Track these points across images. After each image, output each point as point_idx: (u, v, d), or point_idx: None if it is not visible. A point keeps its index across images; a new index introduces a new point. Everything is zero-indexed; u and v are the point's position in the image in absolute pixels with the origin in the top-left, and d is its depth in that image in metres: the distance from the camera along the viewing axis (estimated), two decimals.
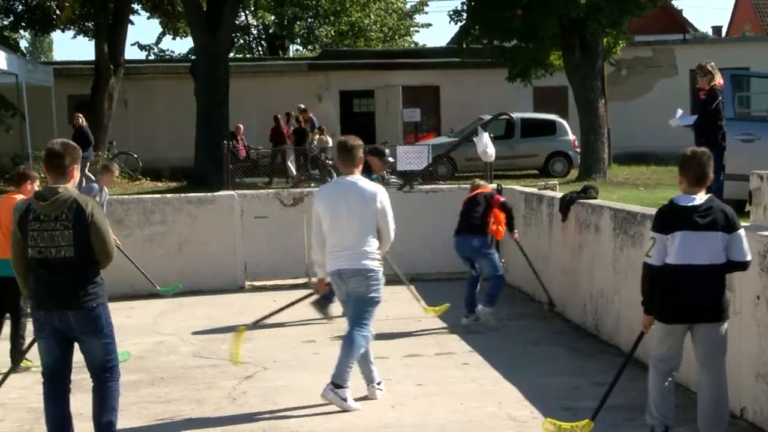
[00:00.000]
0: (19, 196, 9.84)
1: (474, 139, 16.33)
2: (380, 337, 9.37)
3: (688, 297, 6.58)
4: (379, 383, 8.56)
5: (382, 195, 8.11)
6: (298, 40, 52.12)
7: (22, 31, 37.77)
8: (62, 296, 6.57)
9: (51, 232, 6.53)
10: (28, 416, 8.16)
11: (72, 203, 6.57)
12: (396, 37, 52.88)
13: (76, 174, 6.75)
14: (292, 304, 10.57)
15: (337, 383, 8.10)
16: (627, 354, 7.44)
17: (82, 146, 23.54)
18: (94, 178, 18.03)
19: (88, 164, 23.08)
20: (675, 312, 6.63)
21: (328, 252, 8.16)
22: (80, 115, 23.27)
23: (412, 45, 54.09)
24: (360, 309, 8.14)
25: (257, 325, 10.45)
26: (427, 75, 35.63)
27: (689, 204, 6.62)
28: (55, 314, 6.59)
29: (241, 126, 29.64)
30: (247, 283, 14.60)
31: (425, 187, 16.37)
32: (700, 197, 6.65)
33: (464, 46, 28.17)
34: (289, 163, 28.32)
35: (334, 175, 22.95)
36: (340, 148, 8.23)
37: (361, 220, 8.03)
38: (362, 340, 8.16)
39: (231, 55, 32.81)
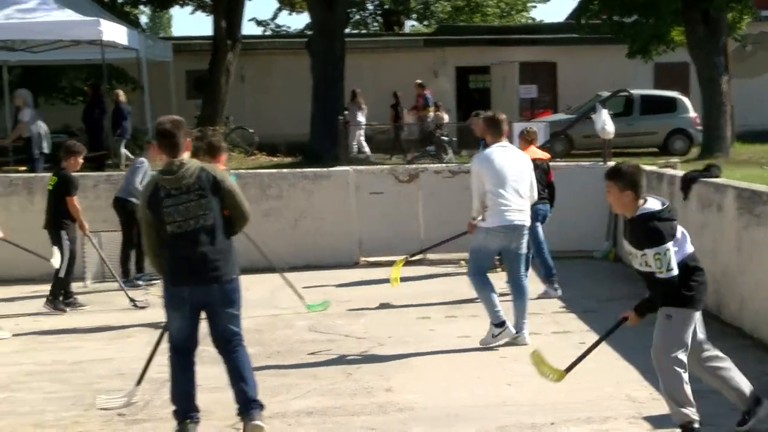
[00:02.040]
0: None
1: (592, 116, 16.16)
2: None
3: None
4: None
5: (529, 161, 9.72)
6: (414, 16, 52.04)
7: (142, 7, 38.42)
8: (206, 269, 6.65)
9: (186, 205, 6.63)
10: (148, 387, 8.33)
11: (200, 172, 6.72)
12: (513, 12, 52.41)
13: (188, 146, 6.92)
14: (453, 238, 11.55)
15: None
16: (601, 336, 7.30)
17: (118, 123, 23.75)
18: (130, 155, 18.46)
19: (124, 141, 23.46)
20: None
21: (494, 207, 9.28)
22: (120, 92, 23.51)
23: (529, 21, 53.59)
24: (523, 260, 9.64)
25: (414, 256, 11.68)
26: (545, 51, 35.29)
27: None
28: (200, 289, 6.66)
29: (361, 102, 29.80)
30: (362, 258, 14.68)
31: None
32: None
33: (583, 21, 27.80)
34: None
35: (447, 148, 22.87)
36: (490, 122, 9.61)
37: (524, 180, 9.43)
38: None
39: (347, 30, 32.90)
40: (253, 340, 10.04)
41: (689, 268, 6.52)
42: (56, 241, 11.90)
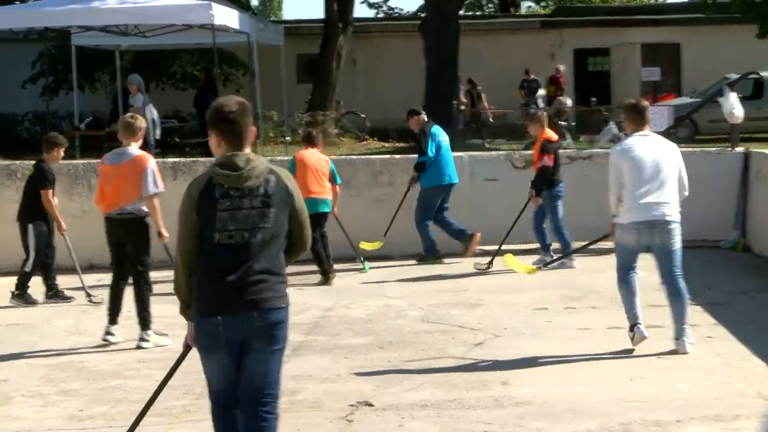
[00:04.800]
0: None
1: (719, 100, 15.79)
2: (615, 306, 9.18)
3: None
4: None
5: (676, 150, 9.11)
6: None
7: None
8: (250, 291, 5.28)
9: (247, 211, 5.29)
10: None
11: (269, 174, 5.40)
12: None
13: (253, 136, 5.57)
14: (593, 243, 11.21)
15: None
16: None
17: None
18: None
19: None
20: None
21: (630, 201, 8.77)
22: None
23: (652, 0, 52.72)
24: (675, 258, 8.86)
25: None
26: (668, 32, 34.65)
27: None
28: (239, 317, 5.27)
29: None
30: (476, 247, 14.55)
31: None
32: None
33: (709, 0, 27.19)
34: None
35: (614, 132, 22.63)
36: (632, 109, 9.09)
37: (671, 172, 8.86)
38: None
39: (461, 12, 32.77)
40: (364, 330, 10.08)
41: None
42: (23, 234, 11.90)
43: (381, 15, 48.80)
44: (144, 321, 9.59)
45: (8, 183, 14.18)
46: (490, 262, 13.23)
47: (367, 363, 8.81)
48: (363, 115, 31.08)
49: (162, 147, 22.17)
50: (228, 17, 21.89)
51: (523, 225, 13.45)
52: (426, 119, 14.30)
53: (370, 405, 7.58)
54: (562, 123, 25.94)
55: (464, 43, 28.74)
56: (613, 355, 8.83)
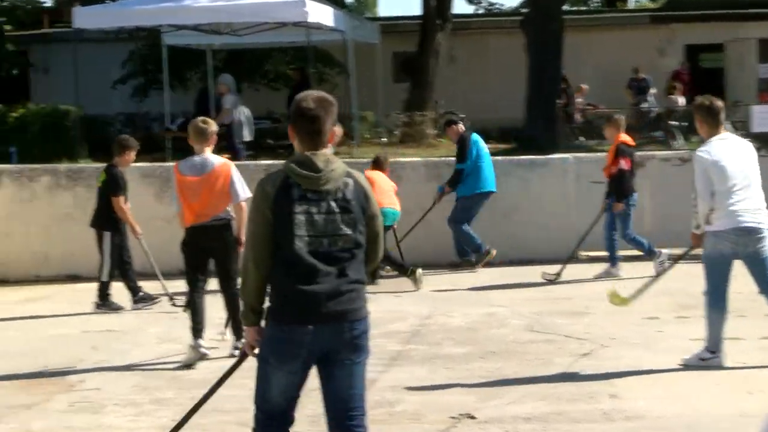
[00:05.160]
0: None
1: None
2: (731, 315, 8.99)
3: None
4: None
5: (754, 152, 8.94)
6: None
7: None
8: (341, 301, 5.16)
9: (326, 216, 5.15)
10: None
11: (348, 177, 5.27)
12: None
13: (332, 137, 5.41)
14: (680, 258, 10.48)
15: None
16: None
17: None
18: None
19: None
20: None
21: (723, 208, 8.57)
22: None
23: None
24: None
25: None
26: None
27: None
28: (329, 328, 5.14)
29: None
30: (581, 253, 14.39)
31: None
32: None
33: None
34: None
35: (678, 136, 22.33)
36: (707, 111, 8.84)
37: (756, 176, 8.78)
38: None
39: (565, 7, 32.50)
40: (465, 339, 10.03)
41: None
42: (99, 241, 12.08)
43: (481, 11, 48.64)
44: (238, 329, 9.58)
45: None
46: (559, 273, 13.07)
47: (468, 373, 8.77)
48: (462, 115, 30.94)
49: (255, 149, 22.36)
50: (322, 14, 22.03)
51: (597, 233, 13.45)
52: (464, 128, 14.47)
53: (472, 417, 7.53)
54: (673, 123, 25.58)
55: (568, 40, 28.46)
56: (728, 367, 8.66)
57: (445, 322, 10.95)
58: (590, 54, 33.13)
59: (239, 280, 5.50)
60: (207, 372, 9.11)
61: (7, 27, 32.50)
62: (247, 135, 21.44)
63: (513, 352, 9.52)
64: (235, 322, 9.61)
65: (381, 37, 28.85)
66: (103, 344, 10.44)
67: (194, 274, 9.73)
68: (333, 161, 5.23)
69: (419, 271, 12.94)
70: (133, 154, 12.25)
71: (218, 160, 9.75)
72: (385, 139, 25.31)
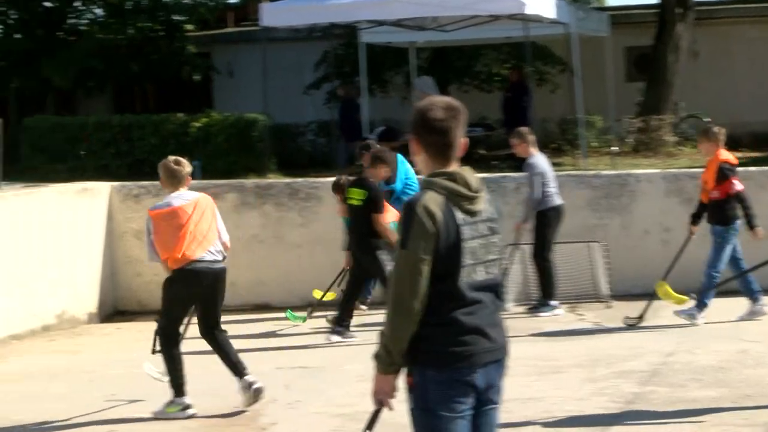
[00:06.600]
0: None
1: None
2: None
3: None
4: None
5: None
6: None
7: None
8: (501, 337, 5.27)
9: (480, 240, 5.20)
10: None
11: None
12: None
13: (465, 148, 5.35)
14: None
15: None
16: None
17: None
18: None
19: None
20: None
21: None
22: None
23: None
24: None
25: None
26: None
27: None
28: (492, 369, 5.22)
29: None
30: None
31: None
32: None
33: None
34: None
35: None
36: None
37: None
38: None
39: None
40: (715, 381, 9.88)
41: None
42: (371, 265, 12.25)
43: None
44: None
45: (290, 204, 14.72)
46: (641, 316, 12.58)
47: (718, 420, 8.62)
48: (707, 119, 30.45)
49: (465, 160, 22.44)
50: (542, 5, 21.99)
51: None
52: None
53: None
54: None
55: None
56: None
57: (690, 360, 10.80)
58: None
59: None
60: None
61: (189, 27, 33.54)
62: None
63: None
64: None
65: (611, 29, 28.64)
66: (296, 382, 10.67)
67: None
68: (478, 178, 5.24)
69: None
70: (386, 170, 12.62)
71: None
72: (616, 148, 25.07)
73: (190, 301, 9.78)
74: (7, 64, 31.60)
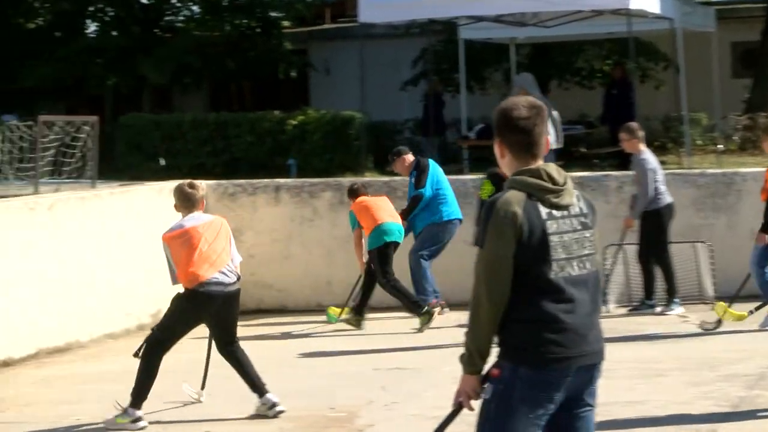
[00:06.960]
0: None
1: None
2: None
3: None
4: None
5: None
6: None
7: None
8: (597, 338, 5.25)
9: (571, 236, 5.22)
10: None
11: (574, 187, 5.37)
12: None
13: (547, 147, 5.42)
14: None
15: None
16: None
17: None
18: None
19: None
20: None
21: None
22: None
23: None
24: None
25: None
26: None
27: None
28: (585, 370, 5.21)
29: None
30: None
31: None
32: None
33: None
34: None
35: None
36: None
37: None
38: None
39: None
40: None
41: None
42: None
43: None
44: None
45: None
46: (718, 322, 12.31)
47: None
48: None
49: (564, 158, 22.31)
50: (647, 0, 21.79)
51: None
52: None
53: None
54: None
55: None
56: None
57: None
58: None
59: None
60: None
61: (285, 23, 33.70)
62: (554, 142, 21.42)
63: None
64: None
65: (717, 24, 28.29)
66: (393, 384, 10.67)
67: None
68: (563, 172, 5.27)
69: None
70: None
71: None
72: (722, 147, 24.79)
73: (196, 322, 9.84)
74: (104, 62, 31.93)
